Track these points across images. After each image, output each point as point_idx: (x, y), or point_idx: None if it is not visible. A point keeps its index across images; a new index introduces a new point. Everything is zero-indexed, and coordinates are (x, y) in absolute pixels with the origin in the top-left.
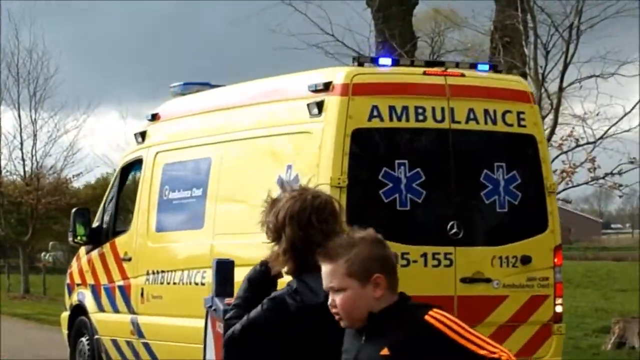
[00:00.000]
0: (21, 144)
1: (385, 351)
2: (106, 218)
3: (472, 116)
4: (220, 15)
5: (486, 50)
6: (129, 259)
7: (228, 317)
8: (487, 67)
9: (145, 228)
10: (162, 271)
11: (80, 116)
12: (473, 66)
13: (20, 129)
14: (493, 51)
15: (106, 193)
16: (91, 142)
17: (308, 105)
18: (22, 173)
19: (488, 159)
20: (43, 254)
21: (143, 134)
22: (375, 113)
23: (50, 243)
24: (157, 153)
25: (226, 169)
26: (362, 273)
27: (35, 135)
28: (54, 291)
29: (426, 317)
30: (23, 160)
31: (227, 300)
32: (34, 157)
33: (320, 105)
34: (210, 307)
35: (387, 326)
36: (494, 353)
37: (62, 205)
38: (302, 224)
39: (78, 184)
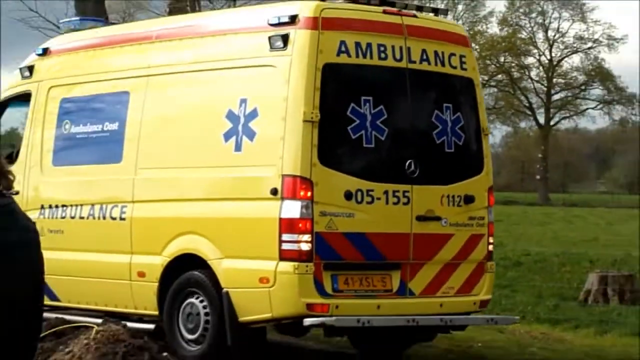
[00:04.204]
0: None
1: None
2: None
3: (425, 57)
4: None
5: None
6: (16, 193)
7: None
8: (430, 9)
9: (38, 162)
10: (63, 205)
11: None
12: (419, 9)
13: None
14: None
15: None
16: None
17: (270, 38)
18: None
19: (438, 100)
20: None
21: (30, 68)
22: (343, 48)
23: None
24: (50, 87)
25: (153, 102)
26: None
27: None
28: None
29: None
30: None
31: None
32: None
33: (285, 38)
34: None
35: None
36: None
37: None
38: None
39: None
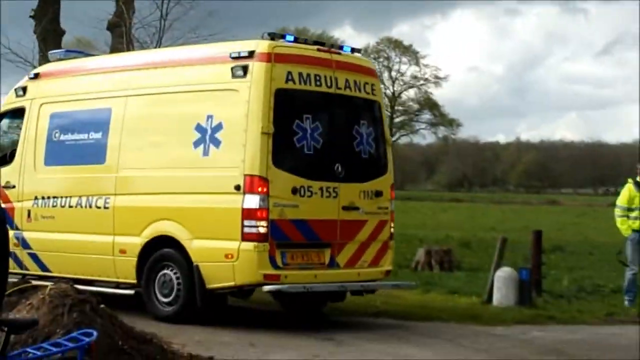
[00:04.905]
0: None
1: None
2: None
3: (347, 84)
4: None
5: None
6: (13, 187)
7: None
8: (349, 49)
9: (32, 162)
10: (54, 197)
11: None
12: (340, 47)
13: None
14: None
15: None
16: None
17: (232, 68)
18: None
19: (357, 117)
20: None
21: (24, 89)
22: (289, 77)
23: None
24: (42, 104)
25: (132, 116)
26: None
27: None
28: None
29: None
30: None
31: None
32: None
33: (245, 68)
34: None
35: None
36: None
37: None
38: None
39: None
